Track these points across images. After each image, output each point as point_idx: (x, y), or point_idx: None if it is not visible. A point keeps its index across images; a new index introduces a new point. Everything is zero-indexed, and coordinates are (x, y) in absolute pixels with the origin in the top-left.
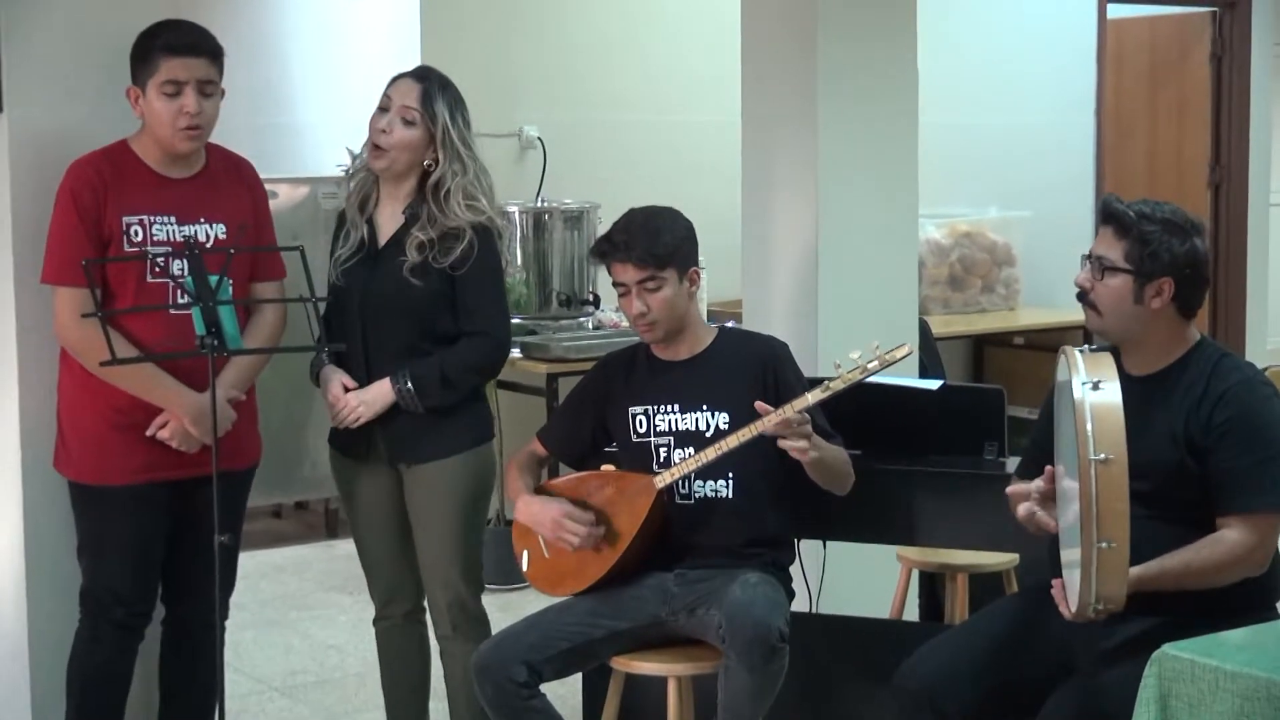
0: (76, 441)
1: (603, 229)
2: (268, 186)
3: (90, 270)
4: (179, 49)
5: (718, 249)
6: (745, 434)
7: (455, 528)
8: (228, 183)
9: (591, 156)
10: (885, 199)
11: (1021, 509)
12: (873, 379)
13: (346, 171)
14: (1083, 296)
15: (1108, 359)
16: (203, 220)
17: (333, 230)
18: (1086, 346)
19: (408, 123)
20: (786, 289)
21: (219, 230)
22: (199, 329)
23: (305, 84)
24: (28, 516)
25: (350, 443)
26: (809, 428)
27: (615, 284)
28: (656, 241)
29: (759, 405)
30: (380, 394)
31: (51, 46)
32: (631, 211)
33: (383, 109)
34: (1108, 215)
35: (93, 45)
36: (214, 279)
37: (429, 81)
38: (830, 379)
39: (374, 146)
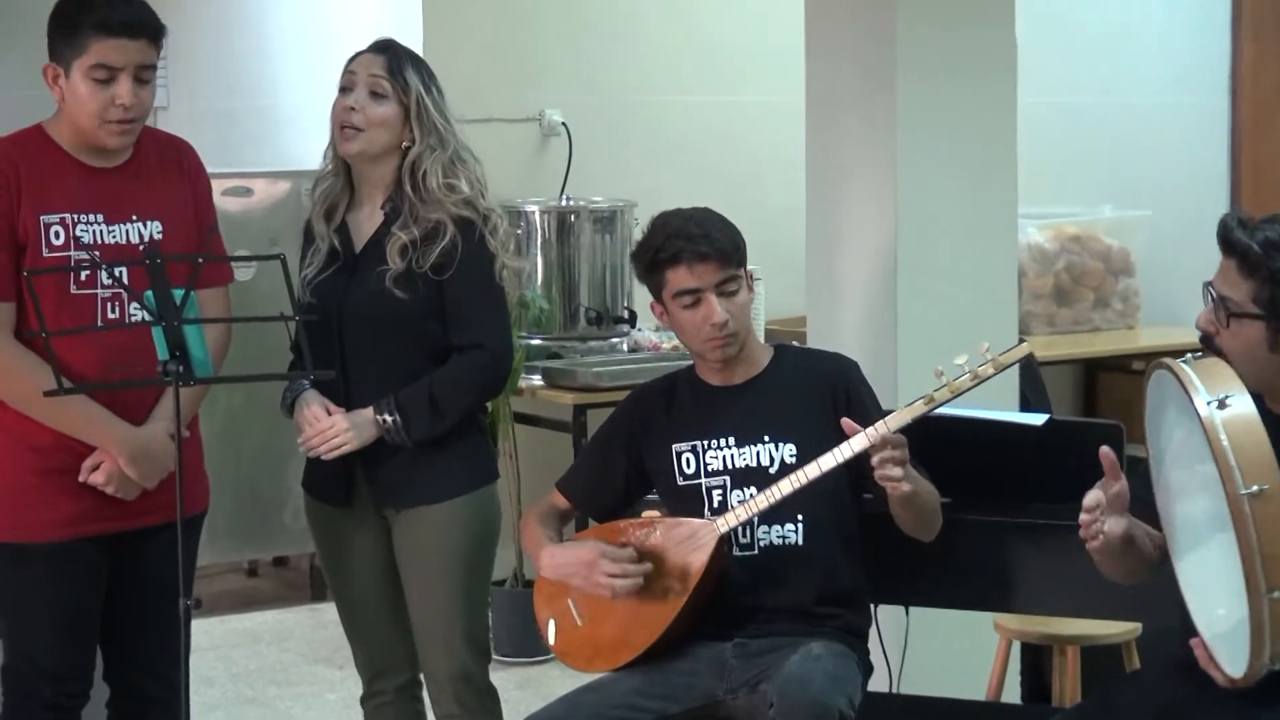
0: None
1: (640, 232)
2: (241, 182)
3: (31, 282)
4: (115, 28)
5: (776, 256)
6: (829, 461)
7: (455, 584)
8: (163, 172)
9: (625, 146)
10: (978, 195)
11: (1085, 515)
12: (966, 412)
13: (310, 188)
14: (1208, 341)
15: (1223, 367)
16: (135, 218)
17: (301, 244)
18: (1190, 355)
19: (378, 96)
20: (859, 304)
21: (154, 229)
22: (161, 353)
23: (287, 61)
24: None
25: (327, 485)
26: (906, 451)
27: (681, 293)
28: (732, 234)
29: (846, 423)
30: (366, 422)
31: None
32: (677, 211)
33: (345, 89)
34: (1227, 246)
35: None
36: (178, 293)
37: (392, 52)
38: (932, 390)
39: (342, 130)
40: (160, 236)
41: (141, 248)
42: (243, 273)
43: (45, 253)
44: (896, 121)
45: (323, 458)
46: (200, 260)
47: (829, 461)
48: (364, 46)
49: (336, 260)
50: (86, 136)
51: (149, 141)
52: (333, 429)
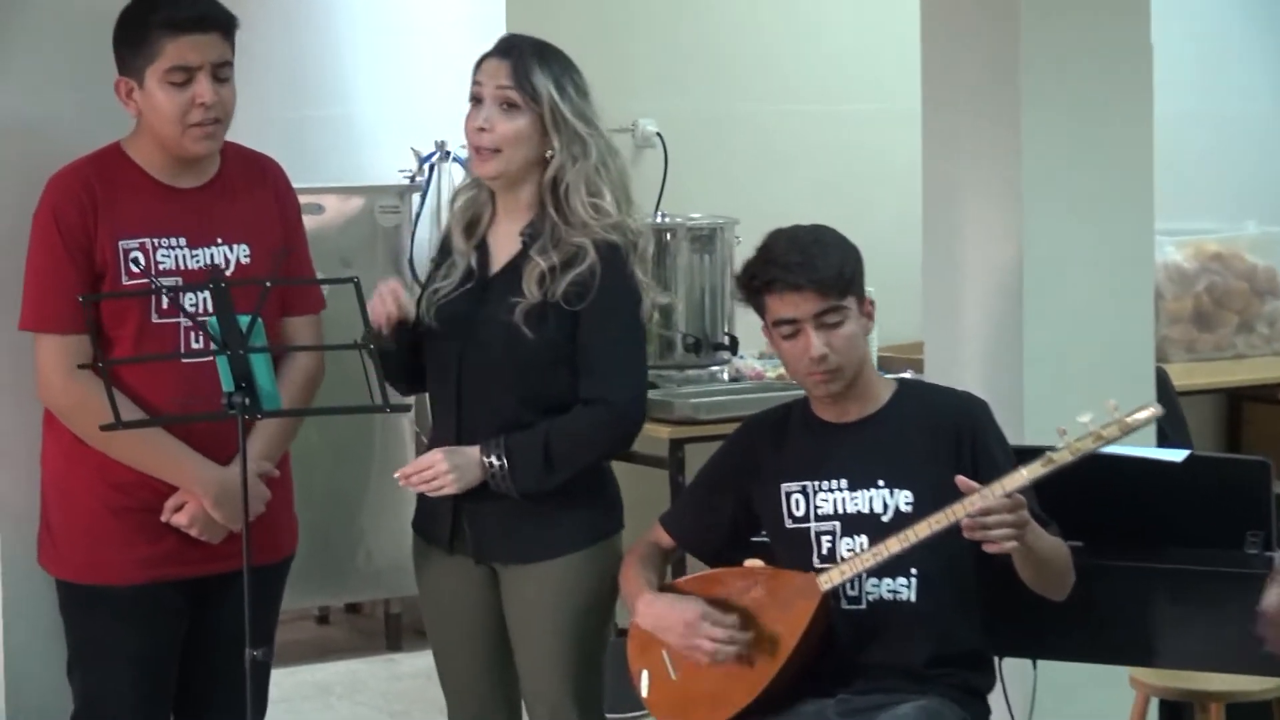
0: (66, 530)
1: (742, 250)
2: (311, 198)
3: (89, 309)
4: (185, 24)
5: (889, 276)
6: (940, 520)
7: (568, 643)
8: (249, 191)
9: (725, 158)
10: (1110, 210)
11: (1273, 594)
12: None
13: (452, 195)
14: None
15: None
16: (220, 241)
17: (434, 254)
18: None
19: (509, 108)
20: (980, 329)
21: (241, 253)
22: (226, 384)
23: (360, 66)
24: (7, 625)
25: (432, 526)
26: (1025, 513)
27: (779, 322)
28: (835, 261)
29: (961, 482)
30: (471, 463)
31: (33, 24)
32: (788, 230)
33: (475, 100)
34: None
35: (85, 23)
36: (244, 319)
37: (518, 52)
38: (1052, 449)
39: (475, 151)
40: (248, 260)
41: (228, 272)
42: None
43: (124, 280)
44: (1021, 129)
45: (424, 491)
46: (268, 284)
47: (941, 522)
48: (490, 48)
49: (470, 280)
50: (170, 147)
51: (234, 159)
52: (432, 468)
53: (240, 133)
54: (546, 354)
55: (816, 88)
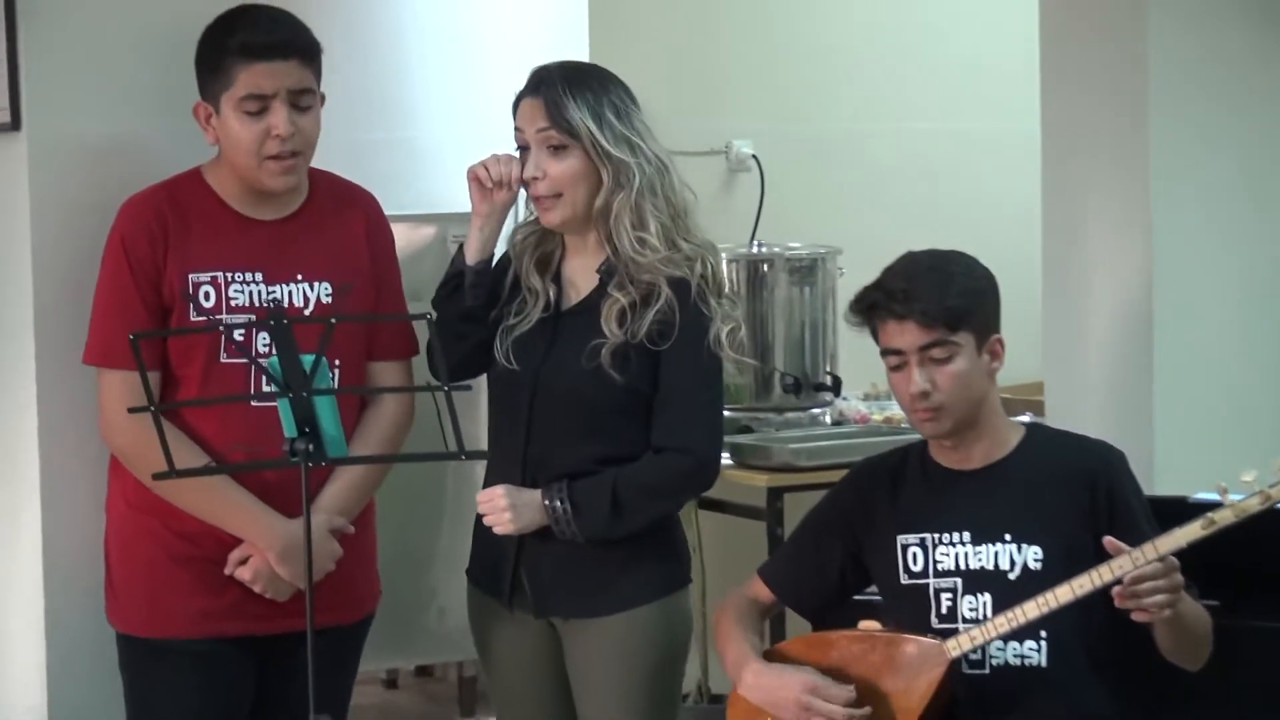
0: (127, 581)
1: (845, 282)
2: None
3: (138, 346)
4: (260, 50)
5: (1008, 310)
6: (1085, 584)
7: (635, 705)
8: (337, 224)
9: (827, 182)
10: (1249, 238)
11: None
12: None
13: (512, 232)
14: None
15: None
16: (300, 278)
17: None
18: None
19: (556, 149)
20: (1106, 369)
21: (322, 291)
22: (288, 429)
23: (429, 88)
24: (53, 682)
25: (488, 576)
26: (1179, 577)
27: (885, 352)
28: (948, 291)
29: (1110, 543)
30: (531, 504)
31: (89, 39)
32: (911, 254)
33: (522, 148)
34: None
35: (146, 36)
36: (307, 359)
37: (548, 87)
38: (1212, 508)
39: (536, 202)
40: (329, 299)
41: (307, 311)
42: None
43: (193, 315)
44: (1149, 151)
45: (494, 530)
46: (332, 321)
47: (1085, 585)
48: (521, 86)
49: (546, 312)
50: (246, 179)
51: (324, 189)
52: (490, 501)
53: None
54: (624, 398)
55: (926, 105)
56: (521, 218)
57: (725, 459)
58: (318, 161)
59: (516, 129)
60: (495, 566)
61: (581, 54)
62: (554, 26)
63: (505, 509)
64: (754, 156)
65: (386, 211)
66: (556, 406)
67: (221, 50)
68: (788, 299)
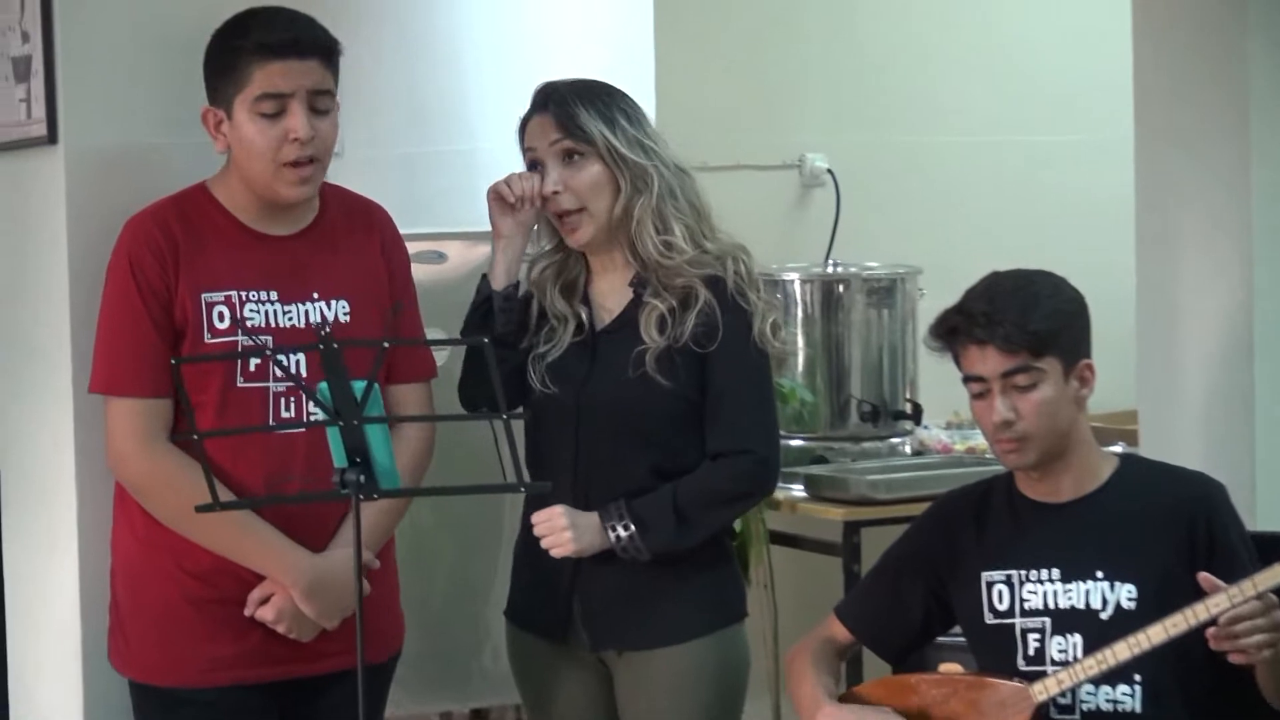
0: (138, 624)
1: (925, 304)
2: (430, 245)
3: (179, 373)
4: (278, 48)
5: (1096, 334)
6: (1179, 624)
7: None
8: (351, 240)
9: (906, 197)
10: None
11: None
12: None
13: (530, 263)
14: None
15: None
16: (315, 296)
17: (520, 318)
18: None
19: (573, 159)
20: (1204, 395)
21: (340, 310)
22: (338, 459)
23: (485, 98)
24: (89, 718)
25: (536, 614)
26: (1278, 615)
27: (968, 379)
28: (1032, 314)
29: (1205, 580)
30: (591, 527)
31: (127, 51)
32: (995, 275)
33: (532, 165)
34: None
35: (184, 48)
36: (358, 385)
37: (556, 100)
38: None
39: (559, 221)
40: (347, 319)
41: (322, 332)
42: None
43: (208, 338)
44: (1251, 162)
45: (552, 553)
46: (385, 345)
47: (1180, 625)
48: (527, 108)
49: (580, 335)
50: (262, 189)
51: (335, 204)
52: (548, 521)
53: (351, 171)
54: (674, 405)
55: (1011, 116)
56: (538, 248)
57: (798, 491)
58: (368, 174)
59: (527, 149)
60: (544, 600)
61: (647, 65)
62: (618, 35)
63: (565, 528)
64: (829, 171)
65: (435, 227)
66: (605, 421)
67: (236, 50)
68: (865, 322)
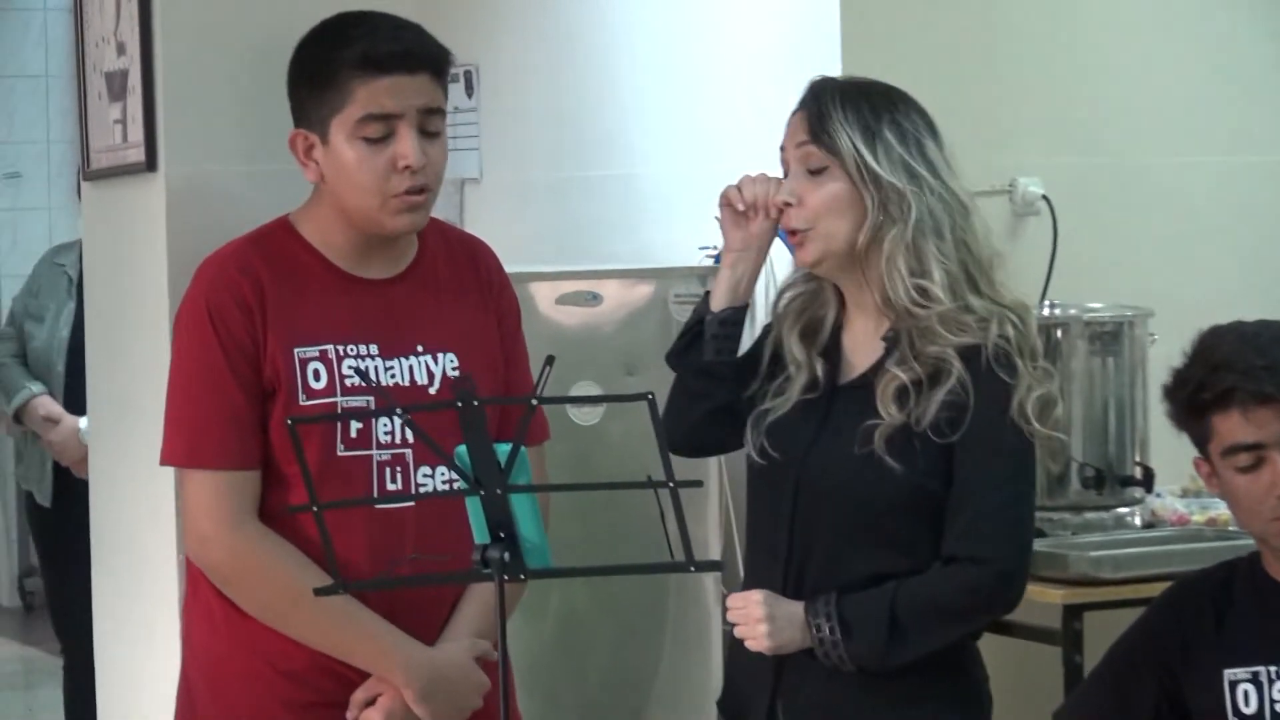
0: None
1: (1158, 351)
2: (583, 285)
3: (297, 434)
4: (385, 61)
5: None
6: None
7: None
8: (457, 283)
9: (1134, 227)
10: None
11: None
12: None
13: (778, 292)
14: None
15: None
16: (420, 349)
17: (740, 360)
18: None
19: (815, 172)
20: None
21: (448, 364)
22: (479, 534)
23: (646, 116)
24: None
25: (743, 710)
26: None
27: (1233, 449)
28: None
29: None
30: (792, 620)
31: (230, 75)
32: (1234, 327)
33: (786, 170)
34: None
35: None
36: (502, 449)
37: (817, 97)
38: None
39: (789, 235)
40: (455, 374)
41: (432, 390)
42: (586, 416)
43: (303, 400)
44: None
45: (746, 645)
46: (534, 402)
47: None
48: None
49: (813, 392)
50: (361, 223)
51: (435, 241)
52: (744, 608)
53: (490, 198)
54: (908, 495)
55: (1263, 135)
56: (787, 275)
57: None
58: (510, 202)
59: (780, 148)
60: (749, 697)
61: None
62: (801, 47)
63: (761, 620)
64: (1044, 197)
65: (588, 264)
66: (825, 503)
67: (334, 63)
68: (1086, 371)
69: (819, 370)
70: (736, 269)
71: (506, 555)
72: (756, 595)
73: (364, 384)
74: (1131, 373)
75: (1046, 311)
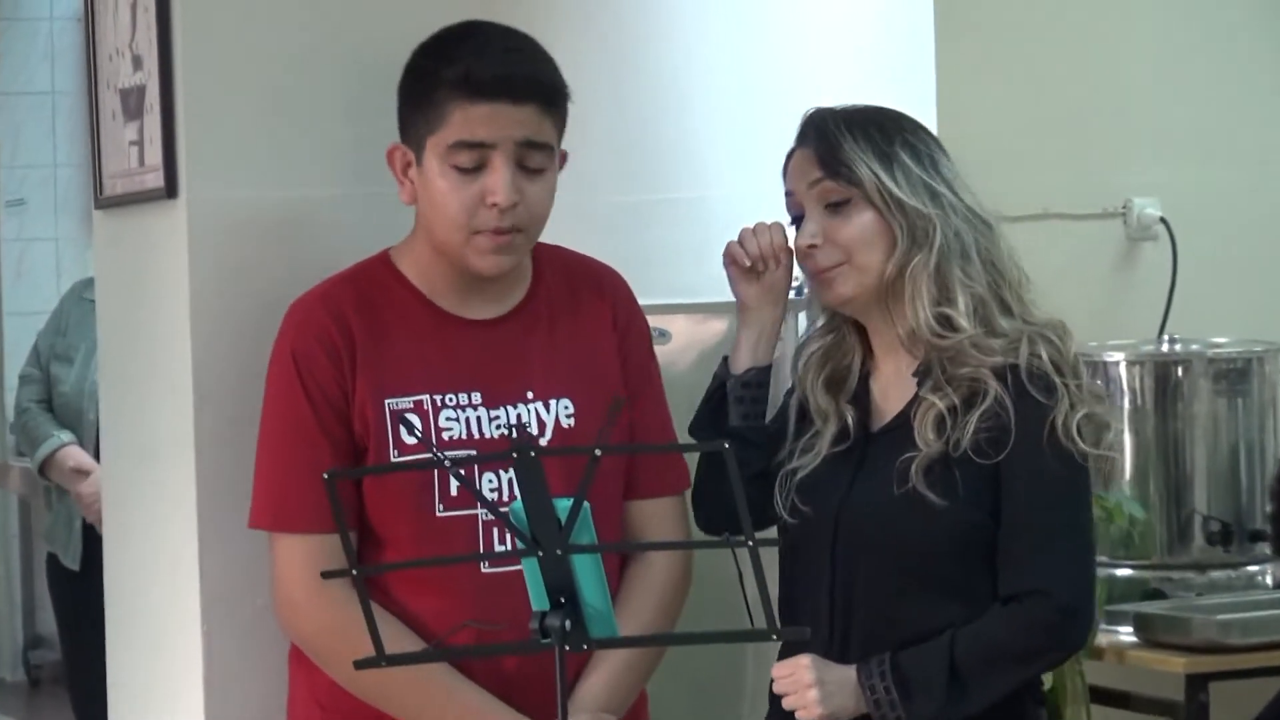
0: None
1: None
2: (652, 319)
3: (334, 487)
4: (486, 86)
5: None
6: None
7: None
8: (576, 320)
9: (1262, 255)
10: None
11: None
12: None
13: (796, 350)
14: None
15: None
16: (531, 397)
17: (773, 412)
18: None
19: (836, 207)
20: None
21: (562, 412)
22: (536, 600)
23: (716, 134)
24: None
25: None
26: None
27: None
28: None
29: None
30: (844, 685)
31: (260, 90)
32: None
33: (795, 219)
34: None
35: (327, 86)
36: (562, 504)
37: (819, 130)
38: None
39: (815, 280)
40: (571, 423)
41: (544, 440)
42: None
43: (394, 456)
44: None
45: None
46: (597, 453)
47: None
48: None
49: (844, 442)
50: (450, 256)
51: (552, 271)
52: (791, 676)
53: (549, 224)
54: (954, 533)
55: None
56: (803, 332)
57: (1126, 634)
58: (568, 227)
59: (787, 193)
60: None
61: (927, 91)
62: (889, 55)
63: (810, 685)
64: (1162, 220)
65: (664, 297)
66: (865, 553)
67: (434, 79)
68: (1211, 414)
69: (849, 418)
70: (753, 327)
71: (568, 623)
72: (804, 660)
73: (464, 437)
74: (1261, 414)
75: (1165, 347)
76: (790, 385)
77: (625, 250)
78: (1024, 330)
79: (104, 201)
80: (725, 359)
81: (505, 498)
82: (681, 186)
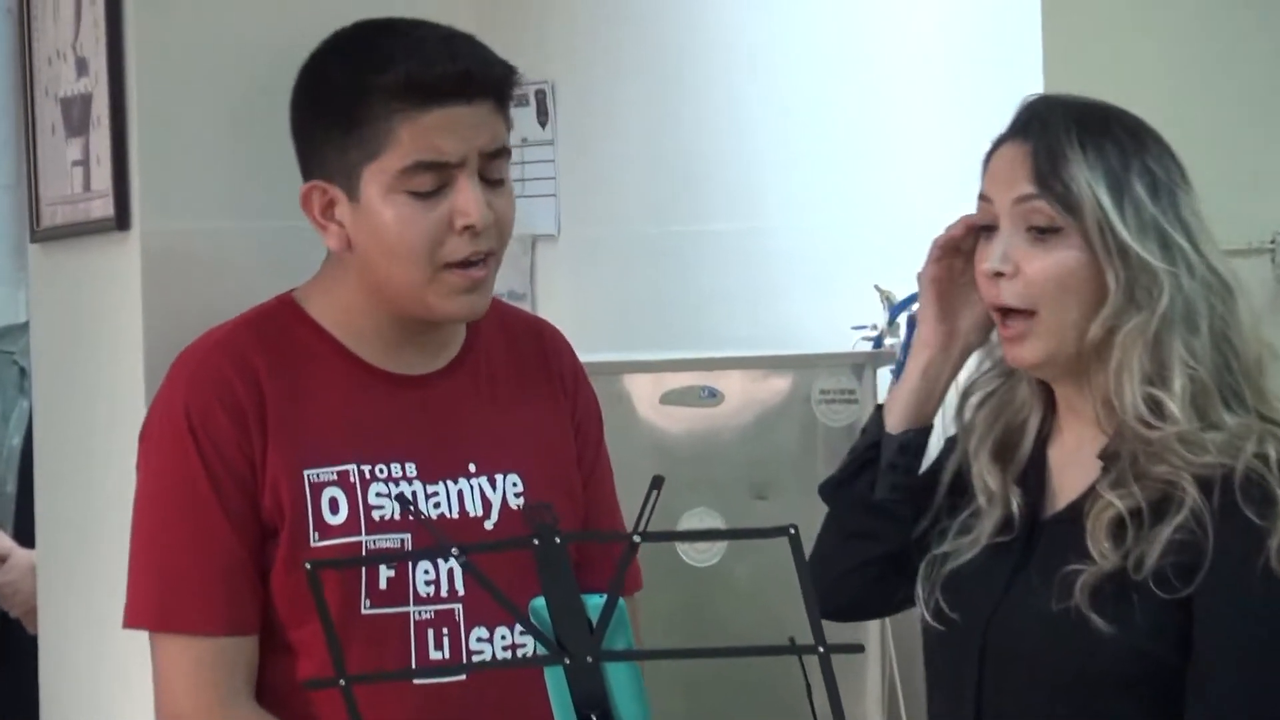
0: None
1: None
2: (697, 378)
3: (317, 580)
4: (434, 90)
5: None
6: None
7: None
8: (519, 380)
9: None
10: None
11: None
12: None
13: (962, 393)
14: None
15: None
16: (474, 470)
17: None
18: None
19: (1041, 233)
20: None
21: (509, 488)
22: (562, 713)
23: (777, 153)
24: None
25: None
26: None
27: None
28: None
29: None
30: None
31: (216, 119)
32: None
33: (985, 226)
34: None
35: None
36: (594, 600)
37: (1043, 128)
38: None
39: (998, 316)
40: (519, 500)
41: (488, 524)
42: (701, 554)
43: (316, 540)
44: None
45: None
46: (636, 539)
47: None
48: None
49: (1009, 530)
50: (405, 300)
51: (489, 324)
52: None
53: (568, 260)
54: (1126, 666)
55: None
56: (974, 369)
57: None
58: (592, 266)
59: (982, 197)
60: None
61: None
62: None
63: None
64: None
65: (711, 350)
66: (1017, 674)
67: (364, 92)
68: None
69: (1015, 504)
70: (928, 375)
71: None
72: None
73: (398, 517)
74: None
75: None
76: (949, 437)
77: (666, 291)
78: (1254, 429)
79: (41, 234)
80: (879, 408)
81: (443, 592)
82: (735, 216)
